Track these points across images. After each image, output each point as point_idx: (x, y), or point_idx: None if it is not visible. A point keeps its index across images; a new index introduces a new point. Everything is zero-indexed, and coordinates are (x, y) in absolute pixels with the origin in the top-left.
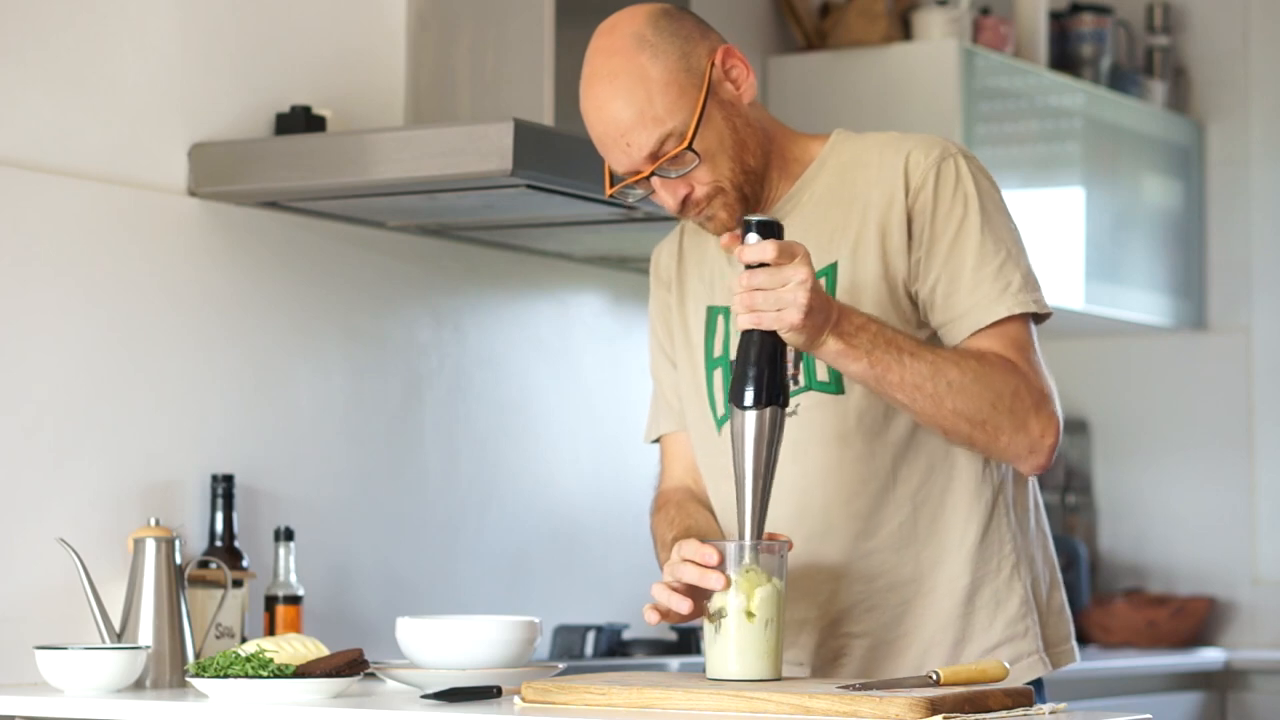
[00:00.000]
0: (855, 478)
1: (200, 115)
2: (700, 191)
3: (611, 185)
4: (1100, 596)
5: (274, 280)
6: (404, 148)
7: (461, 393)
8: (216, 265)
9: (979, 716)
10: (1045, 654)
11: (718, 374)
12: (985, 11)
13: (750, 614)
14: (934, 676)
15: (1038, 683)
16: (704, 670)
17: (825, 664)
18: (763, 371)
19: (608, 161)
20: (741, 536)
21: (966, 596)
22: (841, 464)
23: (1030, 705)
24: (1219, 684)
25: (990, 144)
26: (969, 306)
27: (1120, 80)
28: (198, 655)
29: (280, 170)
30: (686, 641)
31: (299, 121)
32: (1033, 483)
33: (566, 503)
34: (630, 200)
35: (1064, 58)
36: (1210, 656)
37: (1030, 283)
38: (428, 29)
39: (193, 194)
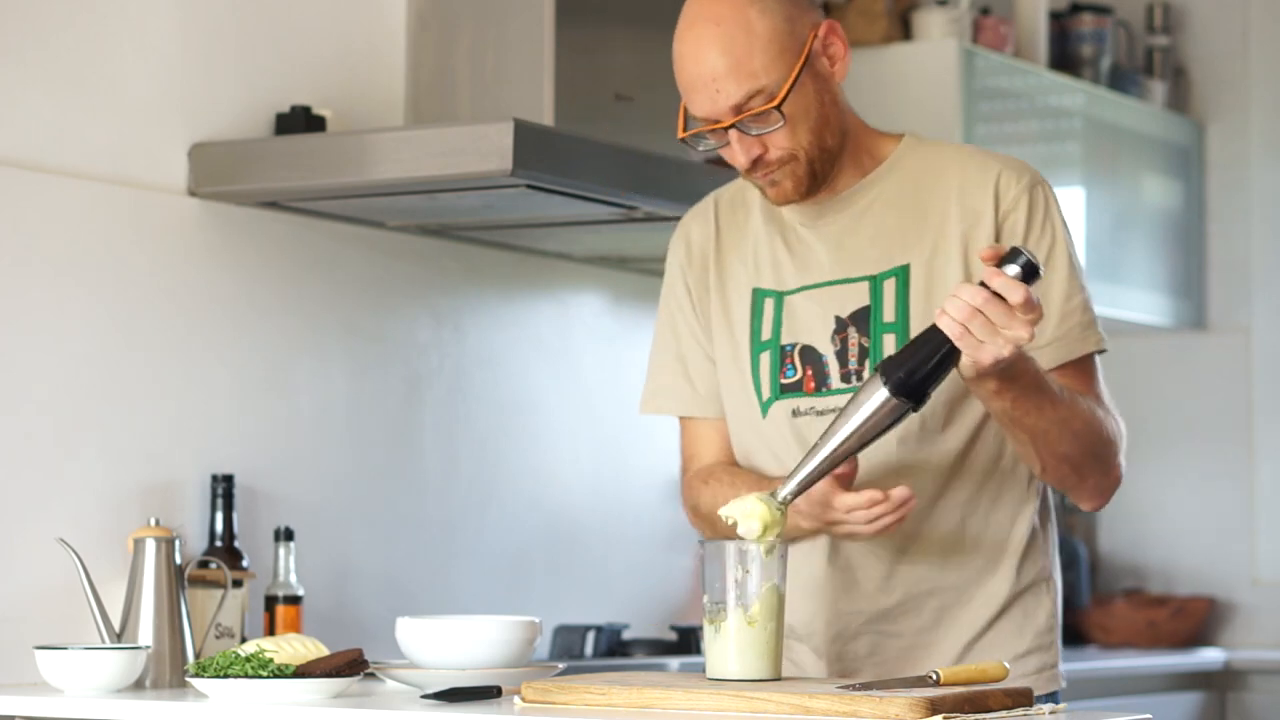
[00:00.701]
0: (909, 483)
1: (200, 115)
2: (774, 154)
3: (685, 129)
4: (1100, 596)
5: (274, 280)
6: (404, 148)
7: (461, 393)
8: (217, 265)
9: (979, 716)
10: (1057, 669)
11: (764, 358)
12: (985, 11)
13: (765, 545)
14: (934, 676)
15: (1054, 695)
16: (704, 670)
17: (857, 660)
18: (925, 368)
19: (689, 105)
20: (787, 480)
21: (1003, 607)
22: (899, 468)
23: (1030, 705)
24: (1219, 684)
25: (990, 144)
26: (1056, 338)
27: (1120, 80)
28: (198, 655)
29: (280, 170)
30: (686, 641)
31: (299, 121)
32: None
33: (566, 503)
34: (700, 148)
35: (1064, 58)
36: (1210, 657)
37: (1096, 320)
38: (428, 29)
39: (193, 194)
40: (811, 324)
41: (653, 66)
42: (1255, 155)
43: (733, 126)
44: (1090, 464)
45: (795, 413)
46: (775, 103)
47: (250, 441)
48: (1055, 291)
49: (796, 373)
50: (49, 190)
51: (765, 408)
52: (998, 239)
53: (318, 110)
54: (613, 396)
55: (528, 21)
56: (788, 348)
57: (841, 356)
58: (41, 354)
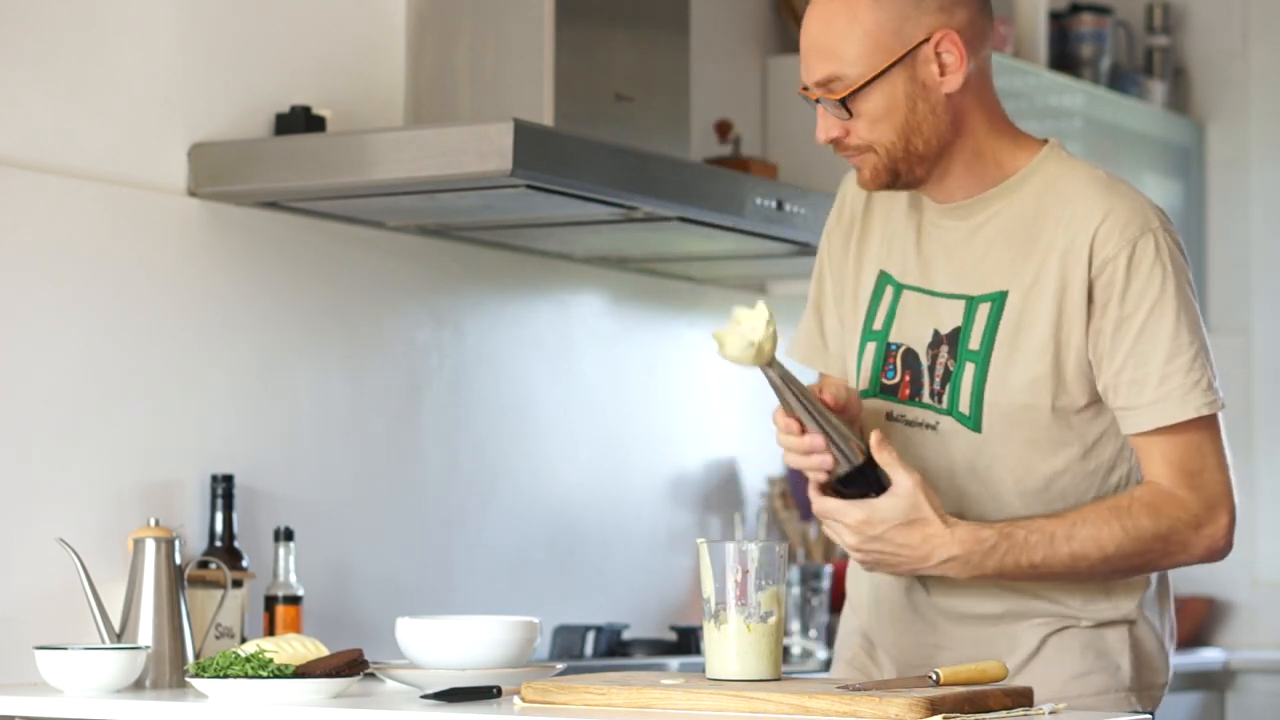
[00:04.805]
0: (983, 516)
1: (200, 115)
2: (852, 141)
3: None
4: None
5: (274, 280)
6: (404, 148)
7: (461, 393)
8: (216, 265)
9: (979, 716)
10: (1138, 693)
11: (870, 348)
12: None
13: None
14: (934, 677)
15: None
16: (704, 670)
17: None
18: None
19: None
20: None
21: (1065, 627)
22: (966, 498)
23: (1030, 705)
24: (1219, 684)
25: None
26: (1155, 400)
27: (1120, 80)
28: (197, 655)
29: (280, 170)
30: (686, 641)
31: (299, 121)
32: None
33: (566, 503)
34: (810, 104)
35: (1064, 58)
36: (1210, 657)
37: (1213, 377)
38: (428, 29)
39: (193, 194)
40: (918, 329)
41: (653, 66)
42: (1255, 155)
43: (818, 101)
44: (1149, 563)
45: (889, 416)
46: (841, 95)
47: (250, 441)
48: (1159, 352)
49: (896, 375)
50: (49, 190)
51: (862, 396)
52: (1090, 293)
53: (318, 110)
54: (613, 396)
55: (528, 21)
56: (893, 346)
57: (932, 372)
58: (41, 354)
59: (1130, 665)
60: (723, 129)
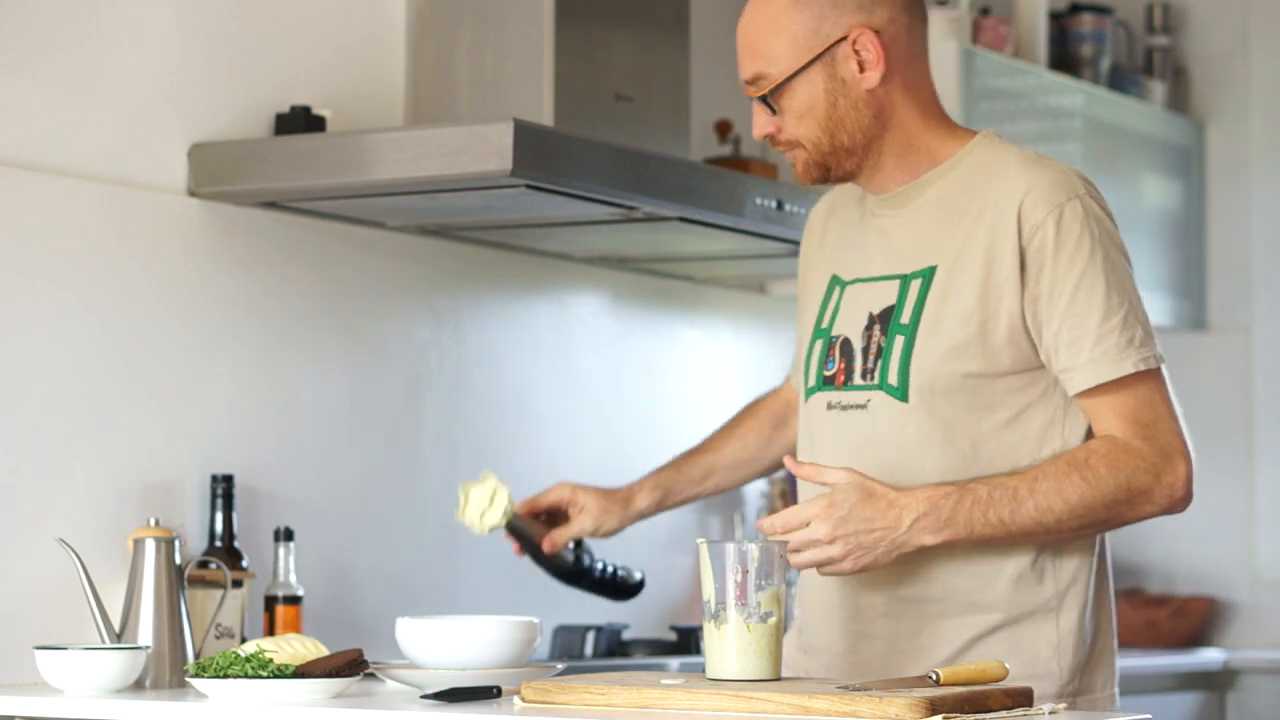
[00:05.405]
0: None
1: (200, 115)
2: (783, 136)
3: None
4: None
5: (274, 280)
6: (404, 148)
7: (461, 393)
8: (216, 265)
9: (979, 716)
10: (1076, 700)
11: (818, 345)
12: (985, 12)
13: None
14: (934, 676)
15: None
16: (704, 670)
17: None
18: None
19: None
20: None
21: (992, 628)
22: (895, 470)
23: (1030, 705)
24: (1219, 684)
25: None
26: (1093, 358)
27: (1120, 80)
28: (197, 655)
29: (280, 170)
30: (686, 641)
31: (299, 121)
32: None
33: None
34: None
35: (1064, 58)
36: (1210, 656)
37: (1149, 334)
38: (428, 29)
39: (192, 194)
40: (855, 317)
41: (653, 66)
42: (1255, 155)
43: (754, 99)
44: (1114, 513)
45: (829, 405)
46: (761, 92)
47: (250, 441)
48: (1093, 313)
49: (835, 365)
50: (49, 190)
51: (808, 394)
52: (1023, 255)
53: (318, 110)
54: (613, 396)
55: (527, 21)
56: (834, 339)
57: (865, 353)
58: (41, 354)
59: (1060, 670)
60: (723, 129)
